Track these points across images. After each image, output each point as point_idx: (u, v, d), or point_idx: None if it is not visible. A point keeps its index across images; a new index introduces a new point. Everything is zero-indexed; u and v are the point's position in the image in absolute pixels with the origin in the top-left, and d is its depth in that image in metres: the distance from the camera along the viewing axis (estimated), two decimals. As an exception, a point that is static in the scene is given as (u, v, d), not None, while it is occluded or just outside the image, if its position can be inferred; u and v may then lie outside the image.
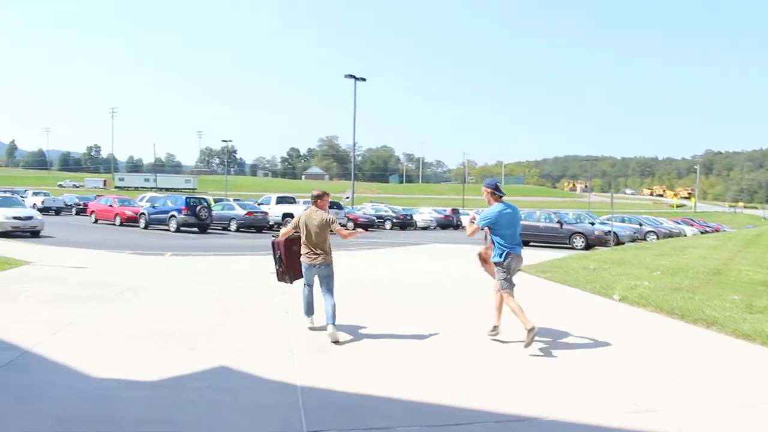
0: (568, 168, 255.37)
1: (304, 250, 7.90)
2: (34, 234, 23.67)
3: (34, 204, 45.45)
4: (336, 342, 7.49)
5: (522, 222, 29.30)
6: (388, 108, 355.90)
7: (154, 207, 33.68)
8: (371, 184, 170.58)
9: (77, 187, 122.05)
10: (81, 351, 6.75)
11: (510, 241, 7.57)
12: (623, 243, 29.00)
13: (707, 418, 5.32)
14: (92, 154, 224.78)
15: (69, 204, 49.79)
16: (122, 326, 8.09)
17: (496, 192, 7.72)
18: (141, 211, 34.10)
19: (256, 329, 8.26)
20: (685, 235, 39.87)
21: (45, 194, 50.80)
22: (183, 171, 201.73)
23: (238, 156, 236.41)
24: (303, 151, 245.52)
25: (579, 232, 27.62)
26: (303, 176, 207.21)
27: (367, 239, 29.92)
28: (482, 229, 7.79)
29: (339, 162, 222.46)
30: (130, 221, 34.03)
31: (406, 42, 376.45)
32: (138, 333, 7.72)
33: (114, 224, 34.37)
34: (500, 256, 7.56)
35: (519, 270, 8.00)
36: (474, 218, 7.90)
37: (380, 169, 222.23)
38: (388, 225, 44.87)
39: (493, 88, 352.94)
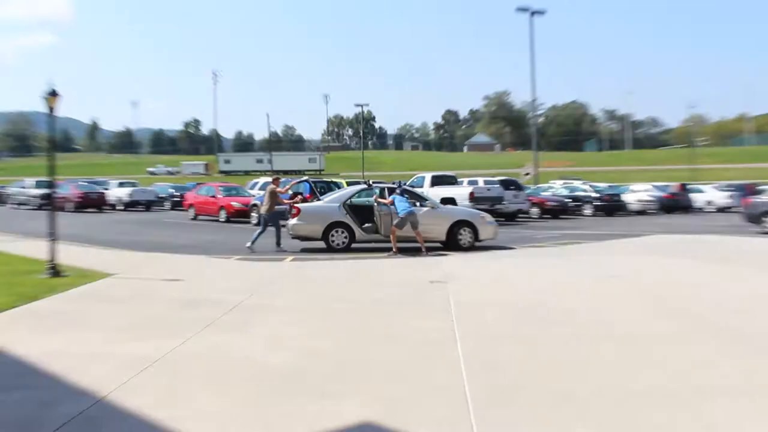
0: None
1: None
2: None
3: (120, 198, 48.57)
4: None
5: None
6: (579, 49, 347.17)
7: (269, 196, 34.51)
8: (559, 154, 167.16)
9: (172, 174, 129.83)
10: (169, 401, 6.66)
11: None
12: None
13: None
14: (190, 131, 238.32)
15: (161, 196, 52.47)
16: (225, 362, 8.04)
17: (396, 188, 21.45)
18: (253, 201, 34.83)
19: (411, 366, 7.90)
20: None
21: (132, 184, 54.17)
22: (306, 147, 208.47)
23: (376, 125, 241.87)
24: (463, 114, 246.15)
25: None
26: (465, 147, 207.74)
27: (558, 230, 28.94)
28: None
29: (513, 126, 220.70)
30: (240, 215, 35.07)
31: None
32: (248, 373, 7.59)
33: (218, 220, 35.88)
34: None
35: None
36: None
37: (571, 133, 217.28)
38: (587, 210, 43.43)
39: (724, 16, 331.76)
